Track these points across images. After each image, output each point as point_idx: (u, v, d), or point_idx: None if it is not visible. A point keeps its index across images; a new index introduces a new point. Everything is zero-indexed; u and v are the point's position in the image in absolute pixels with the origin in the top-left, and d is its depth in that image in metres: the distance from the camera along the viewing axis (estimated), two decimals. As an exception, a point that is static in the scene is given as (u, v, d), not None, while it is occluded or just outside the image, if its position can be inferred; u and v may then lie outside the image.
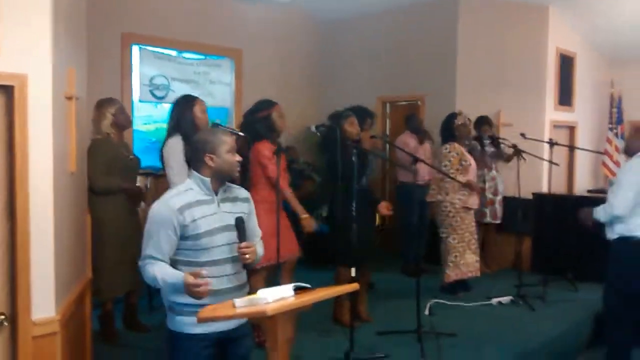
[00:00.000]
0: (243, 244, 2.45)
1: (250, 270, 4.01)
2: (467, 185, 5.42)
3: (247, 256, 2.45)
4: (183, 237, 2.43)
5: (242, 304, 2.23)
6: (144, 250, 2.44)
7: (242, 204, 2.60)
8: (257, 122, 4.28)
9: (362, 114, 5.37)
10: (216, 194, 2.51)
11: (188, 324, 2.43)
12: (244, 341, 2.62)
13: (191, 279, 2.26)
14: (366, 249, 4.48)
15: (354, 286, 2.62)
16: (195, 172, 2.52)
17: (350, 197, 4.12)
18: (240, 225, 2.47)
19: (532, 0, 6.94)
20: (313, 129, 4.49)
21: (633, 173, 3.75)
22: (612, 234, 3.82)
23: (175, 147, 3.79)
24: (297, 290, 2.35)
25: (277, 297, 2.25)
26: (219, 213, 2.49)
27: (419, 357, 4.05)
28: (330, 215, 4.84)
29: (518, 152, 5.86)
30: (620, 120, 8.39)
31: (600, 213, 3.83)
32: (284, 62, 7.73)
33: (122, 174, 4.21)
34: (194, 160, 2.55)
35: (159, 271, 2.37)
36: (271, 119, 4.27)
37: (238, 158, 2.52)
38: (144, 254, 2.44)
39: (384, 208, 4.61)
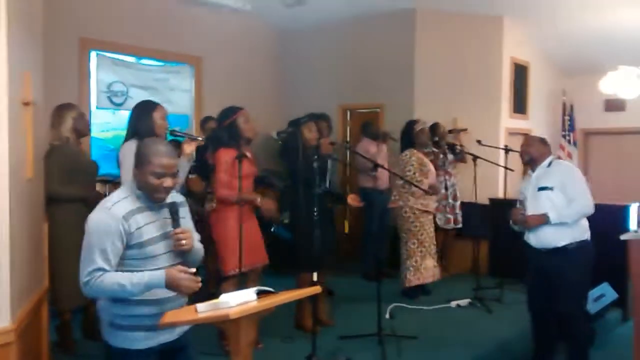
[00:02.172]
0: (178, 229, 2.37)
1: (222, 277, 4.07)
2: (430, 190, 5.49)
3: (183, 242, 2.36)
4: (127, 246, 2.31)
5: (205, 309, 2.24)
6: (90, 264, 2.25)
7: (181, 208, 2.50)
8: (222, 130, 4.26)
9: (321, 120, 5.42)
10: (152, 199, 2.41)
11: (132, 339, 2.36)
12: (187, 351, 2.57)
13: (180, 271, 2.24)
14: (327, 254, 4.53)
15: (316, 289, 2.65)
16: (132, 178, 2.44)
17: (312, 202, 4.15)
18: (173, 210, 2.39)
19: (487, 11, 7.14)
20: (274, 135, 4.52)
21: (580, 176, 3.92)
22: (562, 240, 3.85)
23: (129, 152, 3.75)
24: (260, 294, 2.37)
25: (240, 301, 2.27)
26: (160, 219, 2.42)
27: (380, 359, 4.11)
28: (292, 222, 4.86)
29: (473, 156, 6.01)
30: (572, 128, 8.67)
31: (568, 217, 3.81)
32: (245, 70, 7.73)
33: (82, 181, 4.15)
34: (133, 167, 2.44)
35: (124, 277, 2.24)
36: (236, 125, 4.22)
37: (166, 184, 2.35)
38: (92, 267, 2.24)
39: (353, 200, 4.63)
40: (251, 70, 7.83)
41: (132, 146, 3.76)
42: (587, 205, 3.85)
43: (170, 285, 2.26)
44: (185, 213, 2.54)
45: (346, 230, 6.92)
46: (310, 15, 7.50)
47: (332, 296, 5.57)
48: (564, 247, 3.87)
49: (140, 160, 2.37)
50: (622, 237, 3.67)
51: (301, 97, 8.00)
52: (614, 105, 8.51)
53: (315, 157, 4.14)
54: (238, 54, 7.64)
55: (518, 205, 4.12)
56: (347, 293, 5.86)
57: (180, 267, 2.30)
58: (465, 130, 6.62)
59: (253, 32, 7.84)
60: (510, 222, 4.15)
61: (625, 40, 6.77)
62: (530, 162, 4.14)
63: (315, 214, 4.07)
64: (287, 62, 8.31)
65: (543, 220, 3.88)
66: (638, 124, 8.38)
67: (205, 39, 7.19)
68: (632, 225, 5.55)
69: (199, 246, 2.56)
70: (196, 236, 2.60)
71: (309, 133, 4.59)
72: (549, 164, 4.04)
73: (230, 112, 4.27)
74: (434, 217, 6.11)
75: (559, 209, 3.85)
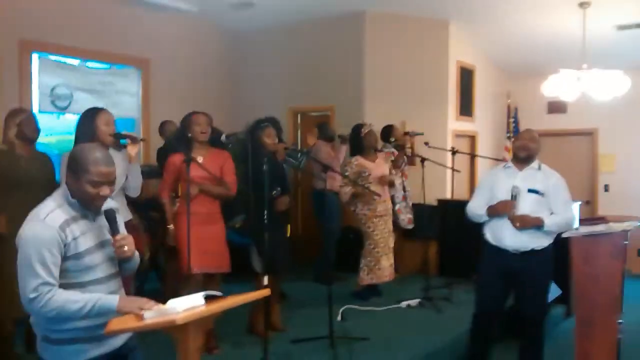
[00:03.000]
0: (118, 236, 2.32)
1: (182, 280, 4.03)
2: (376, 194, 5.53)
3: (125, 248, 2.31)
4: (64, 258, 2.21)
5: (152, 315, 2.20)
6: (33, 278, 2.15)
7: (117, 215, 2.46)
8: (177, 133, 4.30)
9: (278, 125, 5.41)
10: (88, 208, 2.33)
11: (67, 354, 2.27)
12: (134, 356, 2.51)
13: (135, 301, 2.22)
14: (281, 257, 4.53)
15: (265, 292, 2.64)
16: (65, 186, 2.33)
17: (264, 206, 4.14)
18: (111, 217, 2.34)
19: (434, 15, 7.28)
20: (223, 138, 4.48)
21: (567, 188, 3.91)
22: (540, 243, 3.81)
23: (64, 160, 3.72)
24: (208, 298, 2.34)
25: (187, 306, 2.23)
26: (96, 228, 2.34)
27: (332, 362, 4.12)
28: (245, 226, 4.85)
29: (422, 159, 6.10)
30: (516, 130, 8.91)
31: (557, 227, 3.79)
32: (194, 73, 7.65)
33: (20, 188, 4.00)
34: (67, 174, 2.33)
35: (83, 296, 2.19)
36: (187, 128, 4.23)
37: (103, 192, 2.27)
38: (37, 282, 2.14)
39: (280, 203, 4.59)
40: (200, 73, 7.75)
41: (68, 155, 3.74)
42: (573, 219, 3.85)
43: (121, 312, 2.23)
44: (120, 219, 2.48)
45: (297, 232, 6.91)
46: (260, 17, 7.49)
47: (284, 300, 5.56)
48: (539, 250, 3.80)
49: (76, 169, 2.26)
50: (564, 234, 3.76)
51: (251, 100, 7.98)
52: (556, 107, 8.80)
53: (265, 160, 4.13)
54: (186, 56, 7.55)
55: (512, 199, 3.77)
56: (299, 296, 5.87)
57: (139, 300, 2.27)
58: (421, 134, 6.72)
59: (201, 34, 7.77)
60: (482, 213, 3.87)
61: (566, 44, 7.01)
62: (525, 159, 3.89)
63: (266, 217, 4.07)
64: (236, 64, 8.27)
65: (537, 223, 3.74)
66: (578, 125, 8.70)
67: (153, 41, 7.08)
68: (574, 223, 5.73)
69: (137, 253, 2.51)
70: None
71: (268, 138, 4.59)
72: (539, 167, 3.94)
73: (186, 116, 4.31)
74: (396, 218, 6.21)
75: (551, 217, 3.77)
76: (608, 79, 6.51)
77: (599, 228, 3.69)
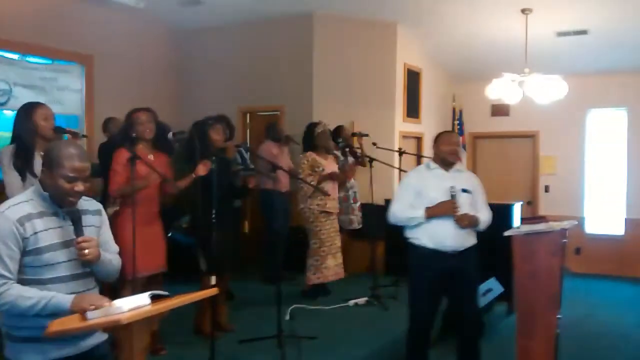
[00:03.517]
0: (80, 238, 2.26)
1: (120, 282, 3.91)
2: (326, 191, 5.56)
3: (86, 251, 2.25)
4: (24, 252, 2.19)
5: (96, 315, 2.14)
6: None
7: (92, 217, 2.41)
8: (118, 133, 4.20)
9: (226, 123, 5.37)
10: (60, 206, 2.30)
11: (29, 352, 2.22)
12: None
13: (91, 302, 2.15)
14: (229, 257, 4.49)
15: (212, 291, 2.61)
16: (37, 182, 2.34)
17: (211, 205, 4.10)
18: (75, 218, 2.29)
19: (382, 18, 7.37)
20: (171, 136, 4.41)
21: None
22: (473, 241, 3.87)
23: (4, 155, 3.65)
24: (154, 298, 2.29)
25: (132, 305, 2.19)
26: (65, 227, 2.30)
27: (280, 361, 4.12)
28: (192, 225, 4.78)
29: (370, 159, 6.18)
30: (461, 132, 9.11)
31: (485, 224, 3.86)
32: (140, 70, 7.49)
33: None
34: (42, 169, 2.35)
35: (37, 293, 2.16)
36: (131, 125, 4.14)
37: (78, 188, 2.26)
38: None
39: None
40: (146, 71, 7.60)
41: (7, 150, 3.68)
42: (490, 216, 3.92)
43: (74, 311, 2.17)
44: (99, 222, 2.45)
45: (245, 231, 6.87)
46: (208, 15, 7.41)
47: (232, 300, 5.52)
48: (471, 248, 3.83)
49: (51, 163, 2.25)
50: (505, 233, 3.85)
51: (199, 99, 7.89)
52: (499, 110, 9.03)
53: (213, 158, 4.09)
54: (132, 53, 7.39)
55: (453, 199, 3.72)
56: (247, 296, 5.84)
57: (92, 297, 2.22)
58: (367, 135, 6.81)
59: (148, 31, 7.62)
60: (417, 215, 3.74)
61: (509, 48, 7.21)
62: (453, 162, 3.90)
63: (214, 216, 4.03)
64: (184, 62, 8.15)
65: (478, 221, 3.78)
66: (521, 128, 8.96)
67: (97, 37, 6.89)
68: (516, 222, 5.92)
69: (109, 257, 2.44)
70: (113, 247, 2.52)
71: (217, 135, 4.54)
72: (460, 168, 4.01)
73: (129, 113, 4.23)
74: (346, 218, 6.25)
75: (480, 214, 3.82)
76: (548, 83, 6.73)
77: (540, 227, 3.79)
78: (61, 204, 2.30)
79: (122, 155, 4.03)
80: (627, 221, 8.35)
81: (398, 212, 3.81)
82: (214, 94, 7.88)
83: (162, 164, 4.21)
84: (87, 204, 2.44)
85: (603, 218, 8.63)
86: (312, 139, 5.87)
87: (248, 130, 8.00)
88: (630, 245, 8.26)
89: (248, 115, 8.00)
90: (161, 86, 7.80)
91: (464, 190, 3.79)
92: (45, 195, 2.29)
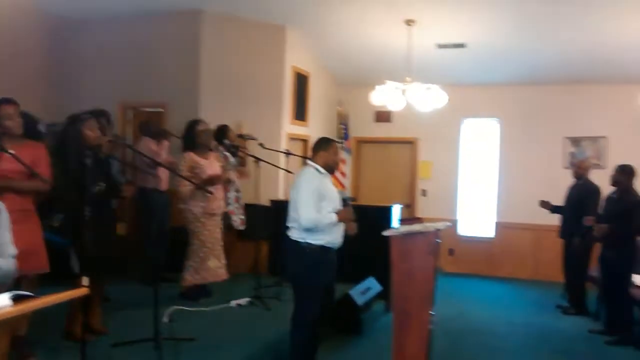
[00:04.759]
0: None
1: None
2: (208, 190, 5.43)
3: None
4: None
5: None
6: None
7: None
8: None
9: (102, 118, 5.12)
10: None
11: None
12: None
13: None
14: (103, 257, 4.28)
15: (81, 291, 2.48)
16: None
17: (85, 203, 3.89)
18: None
19: (271, 19, 7.39)
20: (42, 128, 4.14)
21: None
22: None
23: None
24: (16, 299, 2.14)
25: (-11, 307, 2.02)
26: None
27: (156, 364, 3.99)
28: (64, 224, 4.50)
29: (256, 159, 6.16)
30: (346, 136, 9.34)
31: None
32: (12, 59, 6.94)
33: None
34: None
35: None
36: None
37: None
38: None
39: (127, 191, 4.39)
40: (19, 60, 7.05)
41: None
42: None
43: None
44: None
45: (122, 232, 6.59)
46: (89, 6, 7.06)
47: (107, 303, 5.27)
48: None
49: None
50: (384, 233, 4.00)
51: (76, 92, 7.50)
52: (382, 116, 9.36)
53: (88, 154, 3.89)
54: (4, 41, 6.84)
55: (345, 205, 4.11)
56: (124, 298, 5.61)
57: None
58: (254, 139, 6.77)
59: (22, 19, 7.08)
60: (332, 220, 3.96)
61: (393, 57, 7.48)
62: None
63: (87, 215, 3.83)
64: (63, 52, 7.66)
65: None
66: (402, 134, 9.34)
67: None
68: (395, 223, 6.16)
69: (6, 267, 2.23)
70: (10, 250, 2.33)
71: (90, 131, 4.31)
72: None
73: None
74: (228, 219, 6.16)
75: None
76: (428, 92, 7.06)
77: (416, 227, 4.00)
78: None
79: None
80: (498, 225, 8.97)
81: (318, 218, 3.93)
82: (94, 88, 7.51)
83: (31, 155, 3.90)
84: None
85: (475, 221, 9.20)
86: (193, 137, 5.73)
87: (131, 127, 7.69)
88: (499, 247, 8.89)
89: (131, 111, 7.70)
90: (36, 77, 7.24)
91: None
92: None
